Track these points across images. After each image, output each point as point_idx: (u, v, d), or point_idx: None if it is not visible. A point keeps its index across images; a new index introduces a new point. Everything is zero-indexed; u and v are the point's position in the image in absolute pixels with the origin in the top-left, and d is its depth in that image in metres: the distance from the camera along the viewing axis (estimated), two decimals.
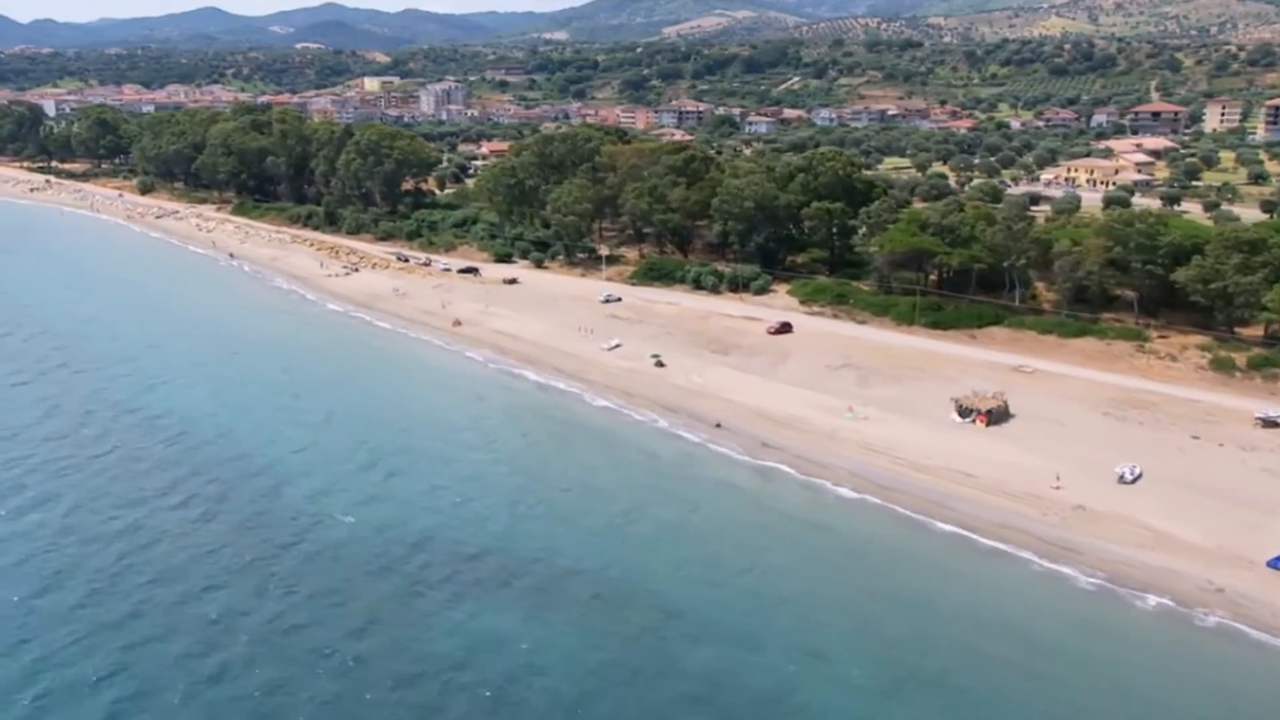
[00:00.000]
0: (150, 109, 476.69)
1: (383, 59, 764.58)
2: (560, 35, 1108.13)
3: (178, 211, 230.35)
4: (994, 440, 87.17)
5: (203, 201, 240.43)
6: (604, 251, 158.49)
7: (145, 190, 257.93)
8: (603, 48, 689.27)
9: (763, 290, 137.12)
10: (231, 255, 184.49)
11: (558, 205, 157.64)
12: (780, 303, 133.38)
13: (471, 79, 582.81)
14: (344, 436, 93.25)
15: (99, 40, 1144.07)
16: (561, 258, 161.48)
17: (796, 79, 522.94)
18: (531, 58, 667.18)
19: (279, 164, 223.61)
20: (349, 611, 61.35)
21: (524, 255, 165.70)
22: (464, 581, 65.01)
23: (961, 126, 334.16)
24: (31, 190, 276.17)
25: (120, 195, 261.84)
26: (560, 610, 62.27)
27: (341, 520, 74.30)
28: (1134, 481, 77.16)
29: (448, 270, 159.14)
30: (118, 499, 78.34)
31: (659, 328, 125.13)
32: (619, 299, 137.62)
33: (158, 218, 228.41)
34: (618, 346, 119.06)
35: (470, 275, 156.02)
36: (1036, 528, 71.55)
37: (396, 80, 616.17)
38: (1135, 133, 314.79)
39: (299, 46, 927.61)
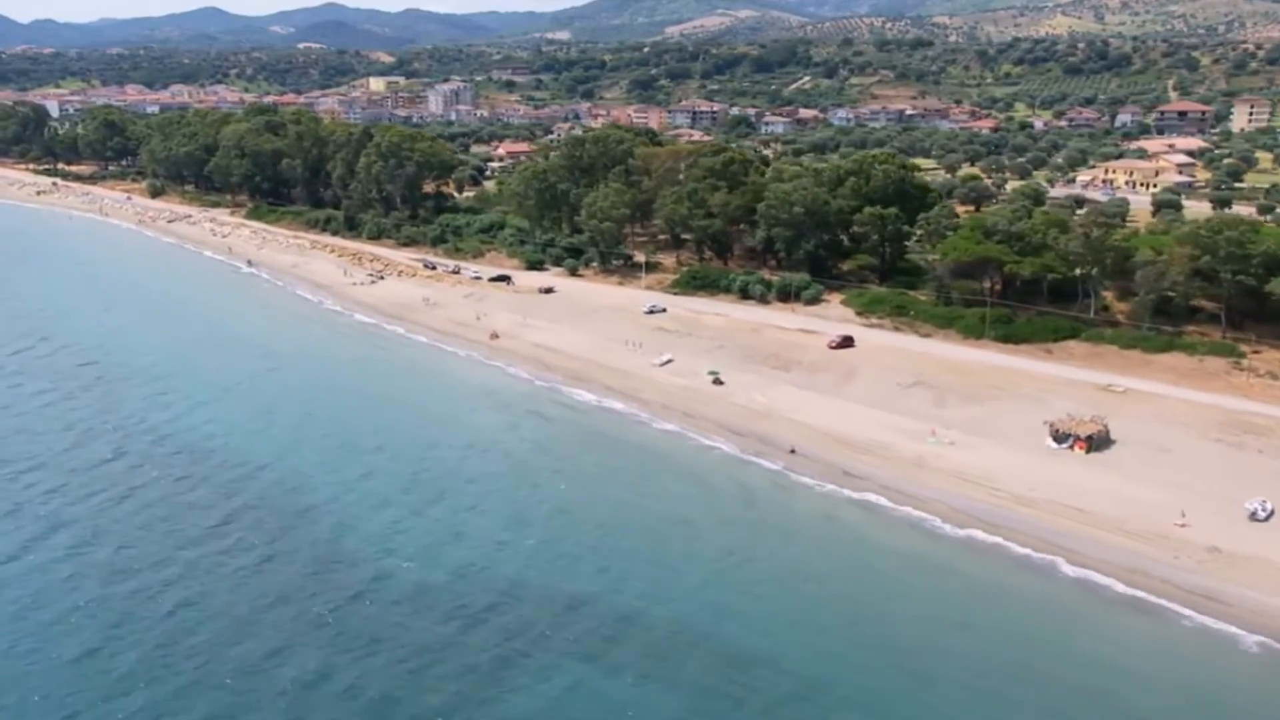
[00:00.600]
0: (155, 109, 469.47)
1: (386, 59, 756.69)
2: (562, 35, 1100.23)
3: (190, 216, 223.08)
4: (1097, 469, 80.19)
5: (215, 205, 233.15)
6: (641, 259, 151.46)
7: (155, 193, 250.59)
8: (609, 47, 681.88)
9: (814, 300, 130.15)
10: (250, 262, 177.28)
11: (593, 210, 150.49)
12: (834, 314, 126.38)
13: (478, 79, 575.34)
14: (399, 465, 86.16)
15: (99, 40, 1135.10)
16: (596, 265, 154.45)
17: (807, 79, 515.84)
18: (537, 57, 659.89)
19: (294, 166, 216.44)
20: (436, 677, 54.34)
21: (556, 262, 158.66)
22: (561, 640, 57.93)
23: (983, 126, 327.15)
24: (38, 193, 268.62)
25: (129, 198, 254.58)
26: (676, 675, 55.18)
27: (413, 565, 67.30)
28: (1268, 519, 70.24)
29: (478, 278, 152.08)
30: (164, 540, 71.31)
31: (710, 341, 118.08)
32: (663, 309, 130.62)
33: (170, 222, 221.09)
34: (669, 362, 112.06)
35: (502, 284, 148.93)
36: (1172, 573, 64.58)
37: (402, 80, 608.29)
38: (1161, 132, 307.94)
39: (301, 46, 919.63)
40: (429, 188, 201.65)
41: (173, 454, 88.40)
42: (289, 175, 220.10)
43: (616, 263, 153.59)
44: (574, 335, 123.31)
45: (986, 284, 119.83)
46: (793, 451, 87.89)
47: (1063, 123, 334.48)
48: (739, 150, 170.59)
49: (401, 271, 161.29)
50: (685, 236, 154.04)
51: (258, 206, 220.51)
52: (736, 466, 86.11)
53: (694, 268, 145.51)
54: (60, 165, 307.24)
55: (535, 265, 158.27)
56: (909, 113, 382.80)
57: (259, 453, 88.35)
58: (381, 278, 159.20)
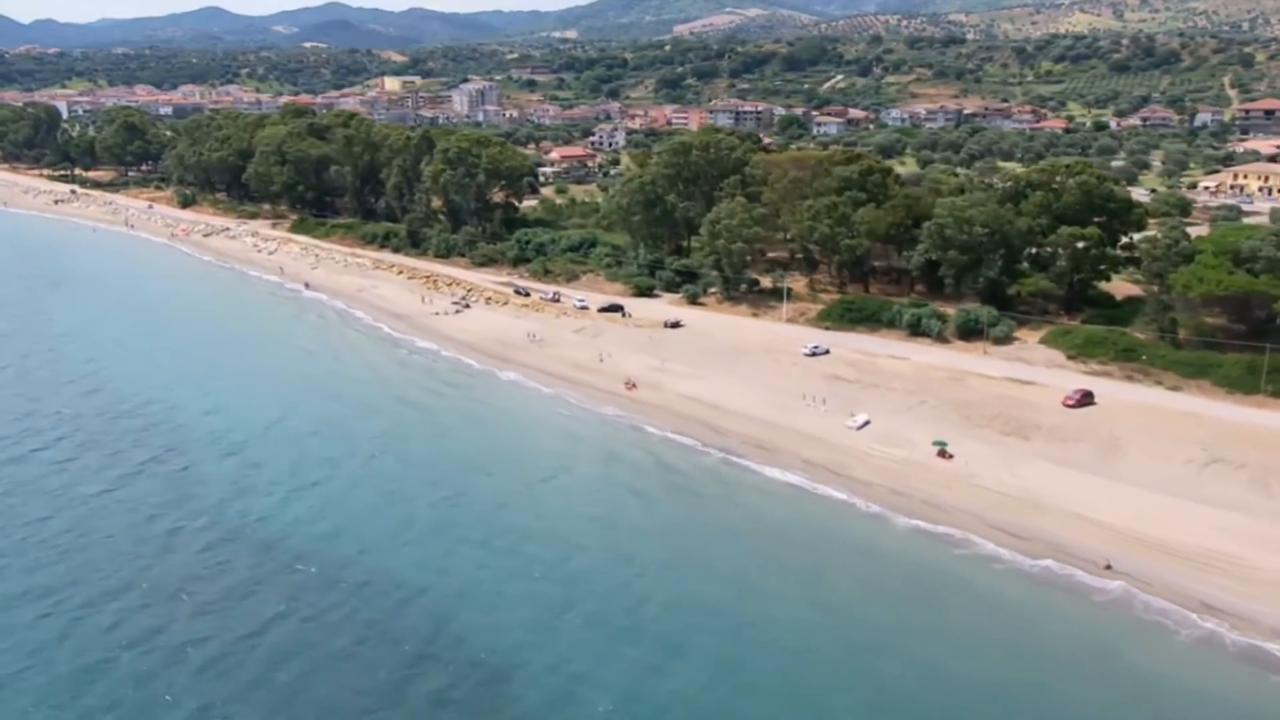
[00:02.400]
0: (168, 111, 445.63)
1: (398, 58, 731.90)
2: (570, 34, 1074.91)
3: (228, 229, 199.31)
4: None
5: (253, 216, 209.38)
6: (775, 284, 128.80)
7: (185, 203, 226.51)
8: (630, 46, 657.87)
9: (1005, 338, 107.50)
10: (308, 285, 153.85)
11: (718, 228, 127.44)
12: (1038, 356, 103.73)
13: (497, 78, 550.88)
14: (576, 588, 63.66)
15: (101, 40, 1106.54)
16: (718, 292, 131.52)
17: (840, 77, 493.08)
18: (556, 56, 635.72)
19: (343, 174, 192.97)
20: None
21: (668, 288, 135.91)
22: None
23: (1052, 126, 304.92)
24: (56, 202, 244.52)
25: (150, 207, 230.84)
26: None
27: None
28: None
29: (584, 308, 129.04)
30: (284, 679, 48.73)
31: (905, 395, 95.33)
32: (826, 350, 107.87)
33: (206, 236, 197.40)
34: (866, 424, 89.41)
35: (615, 315, 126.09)
36: None
37: (418, 80, 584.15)
38: (1245, 132, 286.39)
39: (308, 46, 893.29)
40: (495, 198, 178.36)
41: (291, 571, 65.59)
42: (337, 184, 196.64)
43: (740, 289, 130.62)
44: (730, 385, 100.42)
45: (1237, 321, 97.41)
46: (1108, 567, 65.31)
47: (1136, 122, 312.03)
48: (875, 158, 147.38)
49: (489, 298, 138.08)
50: (820, 260, 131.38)
51: (303, 219, 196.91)
52: (1043, 594, 63.45)
53: (846, 297, 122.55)
54: (77, 171, 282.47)
55: (644, 291, 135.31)
56: (967, 112, 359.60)
57: (406, 575, 65.46)
58: (467, 305, 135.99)
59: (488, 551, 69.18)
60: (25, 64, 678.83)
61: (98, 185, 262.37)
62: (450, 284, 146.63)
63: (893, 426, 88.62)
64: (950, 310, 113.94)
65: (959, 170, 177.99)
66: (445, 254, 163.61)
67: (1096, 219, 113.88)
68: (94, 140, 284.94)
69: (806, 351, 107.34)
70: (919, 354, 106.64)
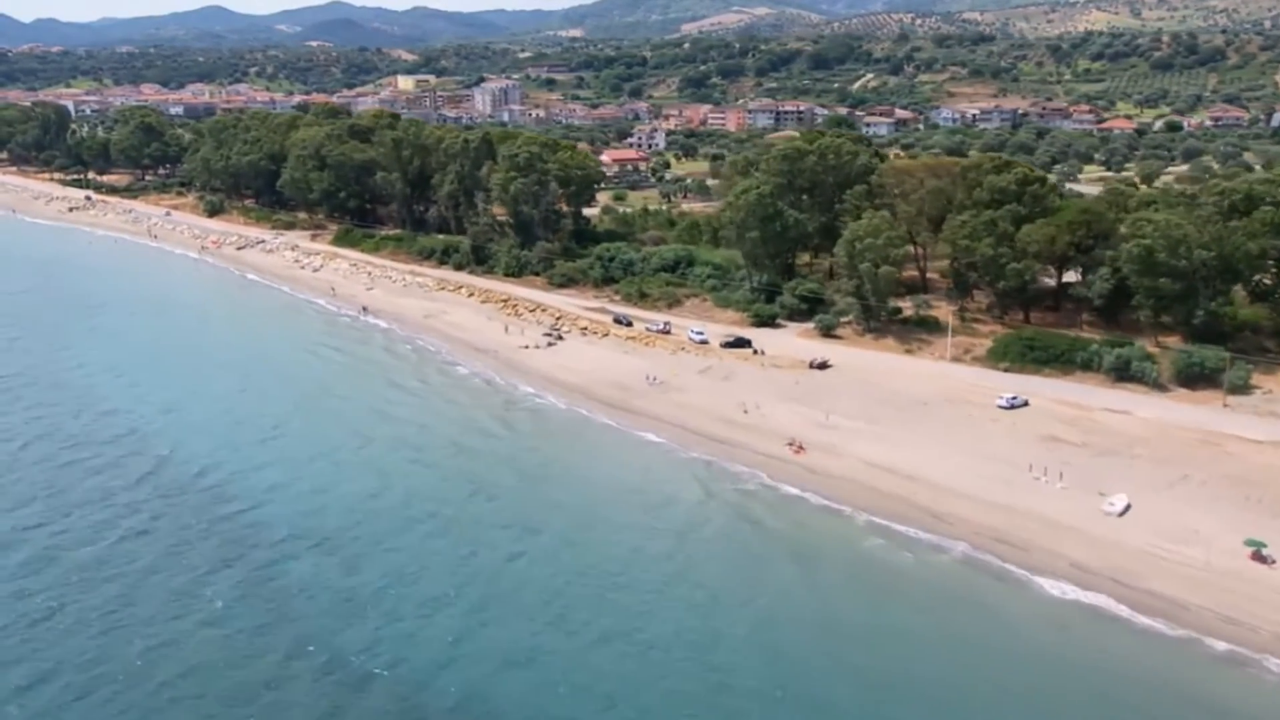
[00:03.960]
0: (178, 110, 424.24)
1: (408, 57, 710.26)
2: (575, 32, 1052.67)
3: (263, 240, 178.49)
4: None
5: (289, 226, 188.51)
6: (923, 313, 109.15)
7: (213, 211, 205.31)
8: (649, 44, 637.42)
9: (1243, 387, 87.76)
10: (365, 310, 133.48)
11: (859, 248, 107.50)
12: None
13: (515, 77, 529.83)
14: None
15: (102, 40, 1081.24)
16: (851, 321, 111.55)
17: (870, 76, 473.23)
18: (573, 55, 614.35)
19: (391, 181, 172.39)
20: None
21: (792, 316, 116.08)
22: None
23: (1120, 127, 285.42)
24: (71, 210, 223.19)
25: (168, 214, 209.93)
26: None
27: None
28: None
29: (704, 342, 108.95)
30: None
31: (1157, 465, 75.64)
32: (1024, 402, 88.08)
33: (240, 249, 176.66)
34: (1128, 509, 69.57)
35: (744, 351, 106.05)
36: None
37: (432, 79, 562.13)
38: None
39: (315, 45, 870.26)
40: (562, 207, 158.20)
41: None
42: (383, 191, 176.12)
43: (881, 319, 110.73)
44: (923, 449, 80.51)
45: None
46: None
47: (1209, 122, 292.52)
48: (1027, 165, 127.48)
49: (585, 328, 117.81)
50: (981, 285, 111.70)
51: (348, 230, 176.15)
52: None
53: (1023, 332, 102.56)
54: (91, 175, 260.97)
55: (766, 321, 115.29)
56: (1022, 111, 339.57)
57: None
58: (560, 337, 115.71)
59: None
60: (28, 63, 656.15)
61: (113, 190, 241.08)
62: (533, 309, 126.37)
63: (1163, 512, 68.89)
64: (1152, 348, 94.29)
65: (1136, 180, 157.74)
66: (516, 272, 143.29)
67: None
68: (108, 142, 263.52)
69: (1002, 404, 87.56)
70: (1141, 406, 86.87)
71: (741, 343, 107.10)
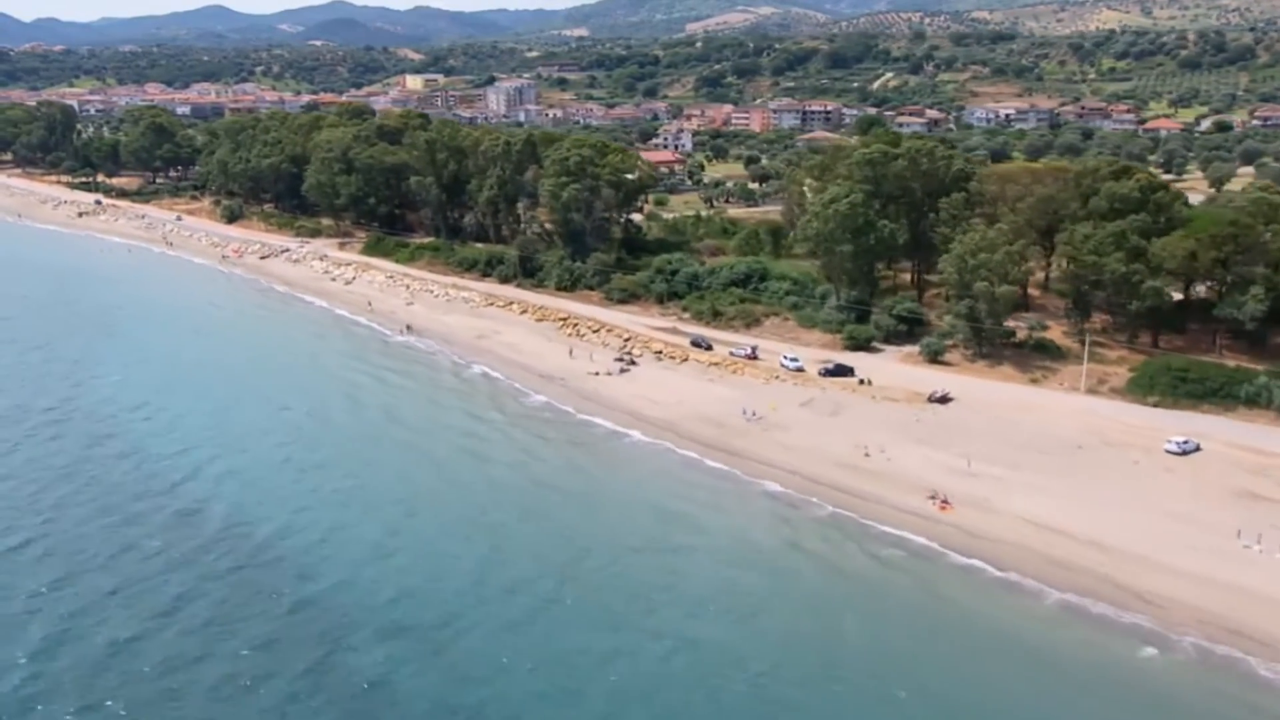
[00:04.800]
0: (185, 110, 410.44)
1: (414, 56, 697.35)
2: (580, 31, 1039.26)
3: (288, 250, 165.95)
4: None
5: (313, 233, 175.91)
6: (1037, 336, 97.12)
7: (231, 217, 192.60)
8: (661, 43, 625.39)
9: None
10: (409, 328, 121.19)
11: (974, 263, 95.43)
12: None
13: (525, 76, 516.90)
14: None
15: (103, 39, 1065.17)
16: (958, 344, 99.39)
17: (889, 75, 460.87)
18: (583, 54, 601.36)
19: (425, 185, 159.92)
20: None
21: (888, 339, 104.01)
22: None
23: (1166, 127, 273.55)
24: (80, 215, 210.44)
25: (178, 219, 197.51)
26: None
27: None
28: None
29: (799, 369, 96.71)
30: None
31: None
32: (1195, 446, 76.07)
33: (263, 258, 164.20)
34: None
35: (848, 380, 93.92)
36: None
37: (441, 78, 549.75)
38: None
39: (319, 44, 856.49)
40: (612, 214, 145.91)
41: None
42: (418, 196, 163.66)
43: (995, 344, 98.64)
44: (1091, 503, 68.57)
45: None
46: None
47: (1255, 122, 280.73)
48: (1146, 172, 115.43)
49: (659, 352, 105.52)
50: (1102, 305, 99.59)
51: (379, 238, 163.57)
52: None
53: (1171, 361, 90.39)
54: (100, 178, 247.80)
55: (861, 344, 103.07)
56: (1058, 111, 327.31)
57: None
58: (633, 362, 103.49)
59: None
60: (30, 62, 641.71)
61: (124, 194, 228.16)
62: (596, 329, 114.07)
63: None
64: None
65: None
66: (569, 286, 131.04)
67: None
68: (118, 143, 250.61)
69: (1173, 448, 75.53)
70: None
71: (843, 370, 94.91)
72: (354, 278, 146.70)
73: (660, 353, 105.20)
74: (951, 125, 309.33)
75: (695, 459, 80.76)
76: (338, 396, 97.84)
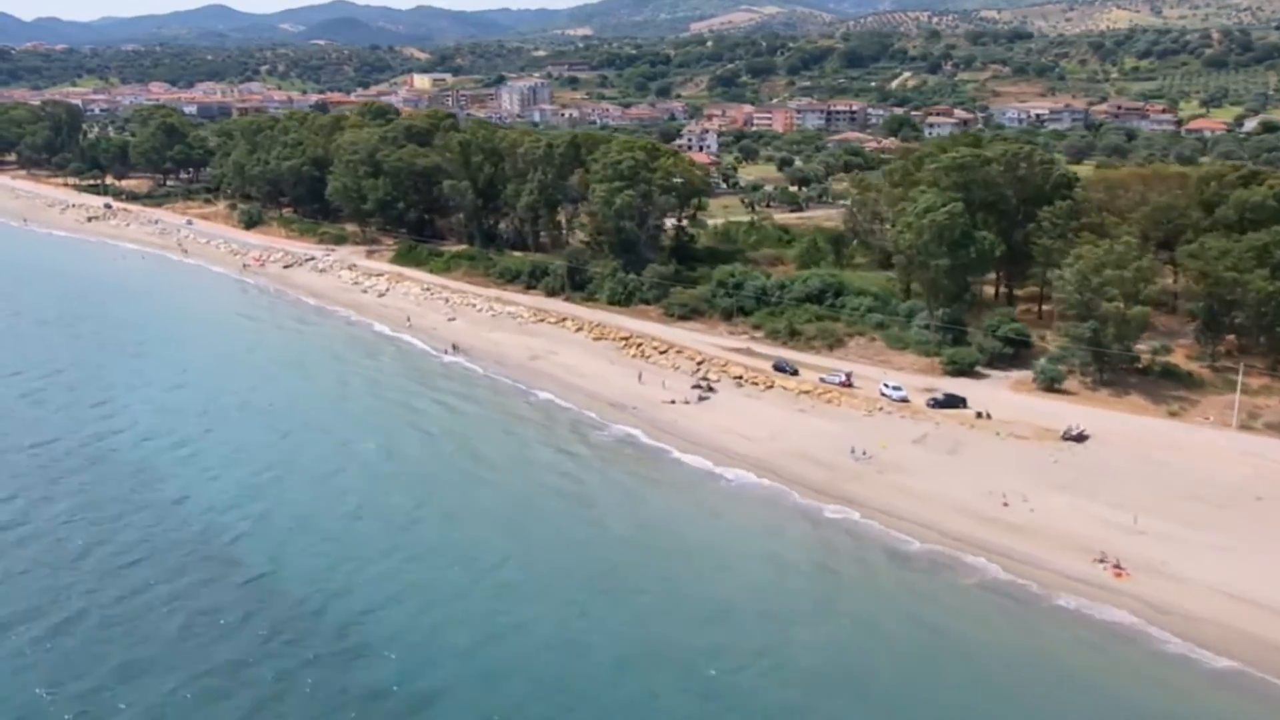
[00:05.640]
0: (192, 109, 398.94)
1: (420, 55, 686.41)
2: (583, 31, 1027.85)
3: (313, 258, 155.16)
4: None
5: (338, 241, 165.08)
6: (1161, 359, 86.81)
7: (250, 223, 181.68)
8: (672, 42, 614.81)
9: None
10: (454, 347, 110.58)
11: (1095, 282, 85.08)
12: None
13: (535, 75, 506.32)
14: None
15: (104, 39, 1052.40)
16: (1074, 370, 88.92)
17: (908, 74, 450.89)
18: (593, 53, 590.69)
19: (459, 190, 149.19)
20: None
21: (991, 362, 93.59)
22: None
23: (1208, 128, 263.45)
24: (89, 219, 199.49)
25: (189, 223, 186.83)
26: None
27: None
28: None
29: (903, 399, 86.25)
30: None
31: None
32: None
33: (286, 268, 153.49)
34: None
35: (959, 412, 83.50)
36: None
37: (449, 78, 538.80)
38: None
39: (323, 43, 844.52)
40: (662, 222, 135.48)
41: None
42: (452, 201, 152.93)
43: (1113, 369, 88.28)
44: None
45: None
46: None
47: None
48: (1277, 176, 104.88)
49: (739, 377, 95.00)
50: (1237, 327, 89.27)
51: (410, 246, 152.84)
52: None
53: None
54: (109, 180, 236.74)
55: (964, 369, 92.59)
56: (1092, 111, 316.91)
57: None
58: (711, 389, 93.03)
59: None
60: (32, 61, 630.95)
61: (134, 197, 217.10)
62: (663, 350, 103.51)
63: None
64: None
65: None
66: (623, 301, 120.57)
67: None
68: (127, 144, 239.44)
69: None
70: None
71: (954, 401, 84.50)
72: (387, 289, 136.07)
73: (740, 378, 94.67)
74: (982, 126, 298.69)
75: (811, 507, 70.35)
76: (403, 427, 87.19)
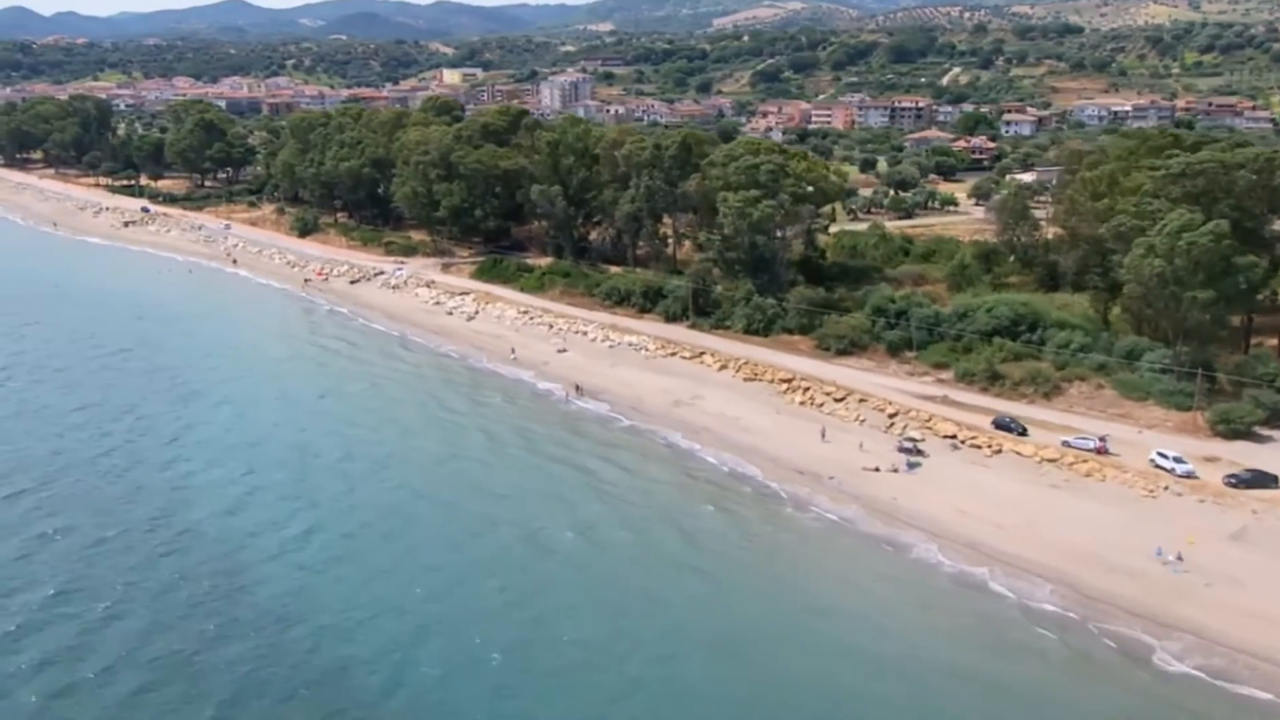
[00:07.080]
0: (220, 105, 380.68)
1: (446, 50, 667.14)
2: (605, 26, 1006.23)
3: (382, 272, 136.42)
4: None
5: (407, 252, 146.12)
6: None
7: (305, 231, 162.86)
8: (709, 37, 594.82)
9: None
10: (578, 389, 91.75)
11: None
12: None
13: (570, 69, 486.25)
14: None
15: (123, 33, 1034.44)
16: None
17: (958, 69, 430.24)
18: (626, 48, 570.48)
19: (549, 196, 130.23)
20: None
21: (1270, 421, 74.46)
22: None
23: None
24: (126, 224, 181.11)
25: (227, 227, 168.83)
26: None
27: None
28: None
29: (1188, 474, 67.03)
30: None
31: None
32: None
33: (352, 283, 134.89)
34: None
35: (1269, 493, 64.38)
36: None
37: (480, 73, 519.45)
38: None
39: (345, 38, 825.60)
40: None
41: None
42: (540, 208, 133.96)
43: None
44: None
45: None
46: None
47: None
48: None
49: (954, 436, 75.93)
50: None
51: (497, 261, 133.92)
52: None
53: None
54: (145, 180, 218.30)
55: (1241, 430, 73.36)
56: (1182, 109, 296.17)
57: None
58: (918, 450, 74.10)
59: None
60: (54, 55, 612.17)
61: (171, 200, 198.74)
62: (839, 396, 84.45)
63: None
64: None
65: None
66: (763, 329, 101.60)
67: None
68: (162, 142, 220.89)
69: None
70: None
71: (1264, 480, 65.34)
72: (476, 311, 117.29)
73: (954, 437, 75.69)
74: (1063, 125, 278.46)
75: (1137, 643, 51.39)
76: (550, 503, 68.45)
